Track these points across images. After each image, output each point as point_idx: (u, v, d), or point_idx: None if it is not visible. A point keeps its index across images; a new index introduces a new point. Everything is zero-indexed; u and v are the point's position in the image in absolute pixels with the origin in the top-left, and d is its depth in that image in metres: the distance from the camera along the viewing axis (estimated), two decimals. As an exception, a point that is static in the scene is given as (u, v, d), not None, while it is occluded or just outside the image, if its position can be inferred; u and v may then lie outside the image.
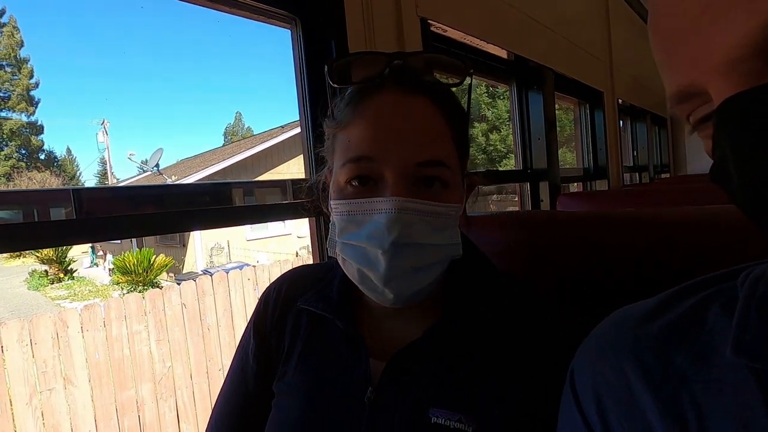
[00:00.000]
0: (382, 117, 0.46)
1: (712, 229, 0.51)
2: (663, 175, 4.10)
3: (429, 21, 1.10)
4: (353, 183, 0.46)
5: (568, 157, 5.11)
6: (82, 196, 0.60)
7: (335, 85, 0.49)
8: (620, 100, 2.64)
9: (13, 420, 2.47)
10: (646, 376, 0.32)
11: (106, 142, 16.89)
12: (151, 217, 0.67)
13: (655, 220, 0.55)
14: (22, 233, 0.55)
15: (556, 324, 0.48)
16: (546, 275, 0.61)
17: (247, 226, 10.81)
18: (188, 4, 0.79)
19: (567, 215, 0.64)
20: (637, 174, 3.52)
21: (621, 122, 2.92)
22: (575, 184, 2.52)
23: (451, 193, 0.47)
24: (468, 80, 0.52)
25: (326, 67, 0.49)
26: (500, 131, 16.89)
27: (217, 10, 0.82)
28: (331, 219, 0.51)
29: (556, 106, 1.86)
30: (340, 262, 0.50)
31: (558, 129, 1.83)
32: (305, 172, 0.96)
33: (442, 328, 0.47)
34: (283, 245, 10.94)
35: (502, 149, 16.70)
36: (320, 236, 0.93)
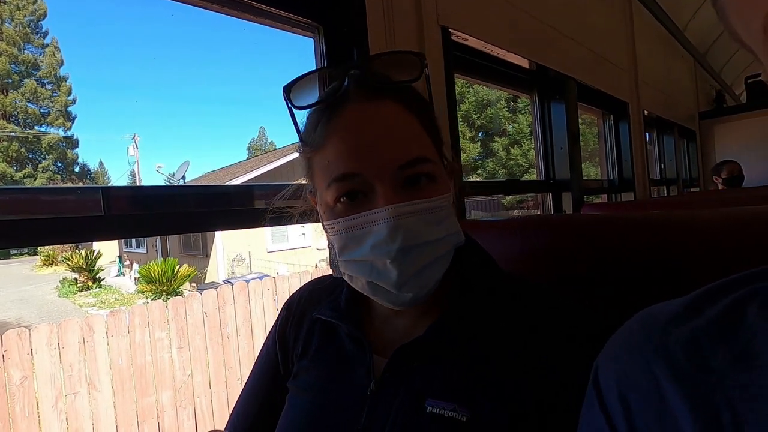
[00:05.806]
0: (353, 130, 0.46)
1: (740, 231, 0.49)
2: (692, 189, 3.97)
3: (450, 29, 1.11)
4: (342, 200, 0.47)
5: (592, 172, 5.02)
6: (111, 194, 0.62)
7: (297, 109, 0.49)
8: (646, 112, 2.58)
9: (39, 422, 2.53)
10: (678, 378, 0.30)
11: (136, 156, 17.54)
12: (175, 216, 0.68)
13: (680, 221, 0.53)
14: (49, 227, 0.57)
15: (576, 321, 0.47)
16: (567, 277, 0.59)
17: (269, 239, 10.98)
18: (217, 14, 0.83)
19: (589, 218, 0.63)
20: (664, 187, 3.42)
21: (647, 134, 2.85)
22: (599, 197, 2.46)
23: (438, 185, 0.48)
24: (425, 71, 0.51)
25: (284, 93, 0.48)
26: (521, 146, 16.74)
27: (243, 19, 0.85)
28: (328, 240, 0.51)
29: (579, 119, 1.84)
30: (346, 279, 0.51)
31: (581, 144, 1.81)
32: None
33: (444, 325, 0.48)
34: (303, 257, 11.03)
35: (524, 164, 16.52)
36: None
